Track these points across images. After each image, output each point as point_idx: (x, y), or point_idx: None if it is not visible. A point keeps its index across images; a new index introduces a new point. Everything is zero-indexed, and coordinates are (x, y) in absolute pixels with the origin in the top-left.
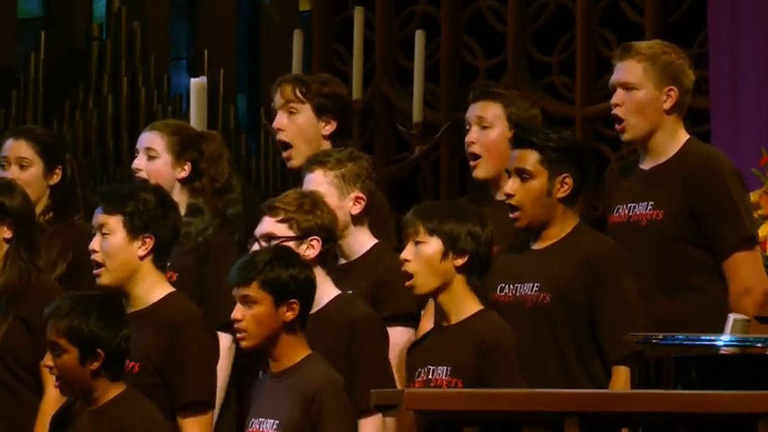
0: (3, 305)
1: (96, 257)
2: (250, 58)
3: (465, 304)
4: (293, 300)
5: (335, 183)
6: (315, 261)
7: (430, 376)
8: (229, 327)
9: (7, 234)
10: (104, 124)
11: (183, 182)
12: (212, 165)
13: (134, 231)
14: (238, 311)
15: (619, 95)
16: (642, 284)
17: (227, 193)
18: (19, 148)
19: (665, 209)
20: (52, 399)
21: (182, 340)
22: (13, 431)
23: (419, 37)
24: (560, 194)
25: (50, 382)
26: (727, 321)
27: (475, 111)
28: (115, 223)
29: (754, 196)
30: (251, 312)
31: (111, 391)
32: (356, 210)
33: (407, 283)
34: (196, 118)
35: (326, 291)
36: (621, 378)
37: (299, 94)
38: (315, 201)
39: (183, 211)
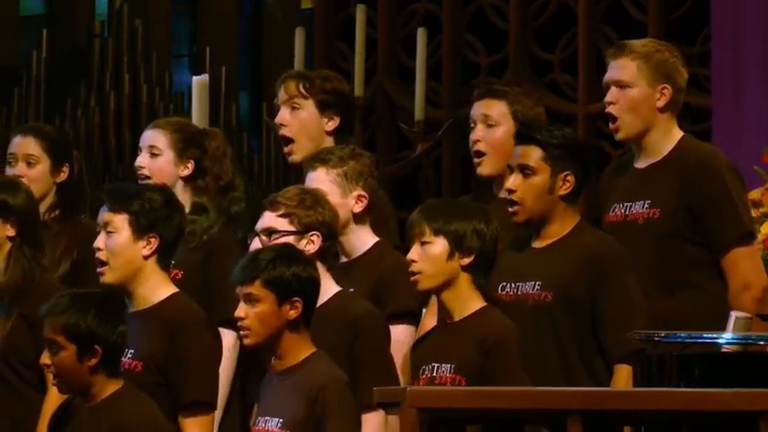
0: (6, 303)
1: (100, 255)
2: (252, 55)
3: (469, 302)
4: (296, 298)
5: (337, 181)
6: (314, 257)
7: (434, 374)
8: (233, 324)
9: (11, 232)
10: (106, 122)
11: (186, 180)
12: (216, 163)
13: (139, 230)
14: (242, 310)
15: (613, 93)
16: (641, 283)
17: (231, 192)
18: (27, 144)
19: (661, 207)
20: (55, 397)
21: (184, 340)
22: (17, 429)
23: (421, 34)
24: (562, 192)
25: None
26: (729, 319)
27: (480, 109)
28: (120, 222)
29: (756, 194)
30: (254, 311)
31: (109, 387)
32: (358, 208)
33: (412, 279)
34: (198, 115)
35: (327, 288)
36: (623, 376)
37: (302, 90)
38: (316, 197)
39: (186, 208)
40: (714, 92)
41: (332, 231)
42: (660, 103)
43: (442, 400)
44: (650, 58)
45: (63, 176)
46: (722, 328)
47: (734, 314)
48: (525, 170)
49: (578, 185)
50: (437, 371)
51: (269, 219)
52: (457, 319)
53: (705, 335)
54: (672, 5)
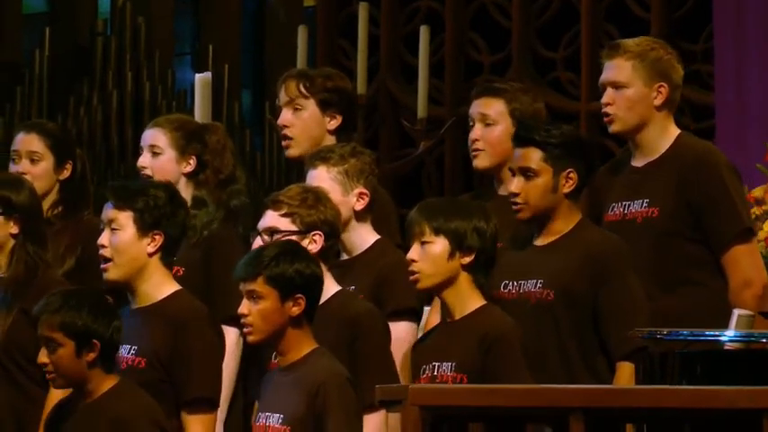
0: (9, 298)
1: (105, 252)
2: (255, 53)
3: (469, 300)
4: (299, 294)
5: (338, 179)
6: (317, 256)
7: (435, 372)
8: (236, 320)
9: (14, 229)
10: (109, 120)
11: (189, 176)
12: (216, 156)
13: (144, 228)
14: (245, 306)
15: (609, 95)
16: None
17: (232, 185)
18: (30, 141)
19: (660, 206)
20: (58, 393)
21: (188, 337)
22: (20, 424)
23: (424, 32)
24: (566, 190)
25: None
26: (731, 317)
27: (478, 107)
28: (125, 219)
29: (759, 191)
30: (257, 307)
31: (106, 383)
32: (359, 206)
33: (411, 278)
34: (200, 113)
35: (327, 287)
36: (626, 374)
37: (303, 90)
38: (318, 195)
39: (189, 203)
40: (717, 89)
41: (334, 230)
42: (657, 102)
43: (444, 398)
44: (645, 57)
45: (66, 173)
46: (724, 326)
47: (736, 312)
48: (527, 173)
49: (581, 182)
50: (438, 370)
51: (271, 218)
52: (458, 317)
53: (707, 332)
54: (675, 3)
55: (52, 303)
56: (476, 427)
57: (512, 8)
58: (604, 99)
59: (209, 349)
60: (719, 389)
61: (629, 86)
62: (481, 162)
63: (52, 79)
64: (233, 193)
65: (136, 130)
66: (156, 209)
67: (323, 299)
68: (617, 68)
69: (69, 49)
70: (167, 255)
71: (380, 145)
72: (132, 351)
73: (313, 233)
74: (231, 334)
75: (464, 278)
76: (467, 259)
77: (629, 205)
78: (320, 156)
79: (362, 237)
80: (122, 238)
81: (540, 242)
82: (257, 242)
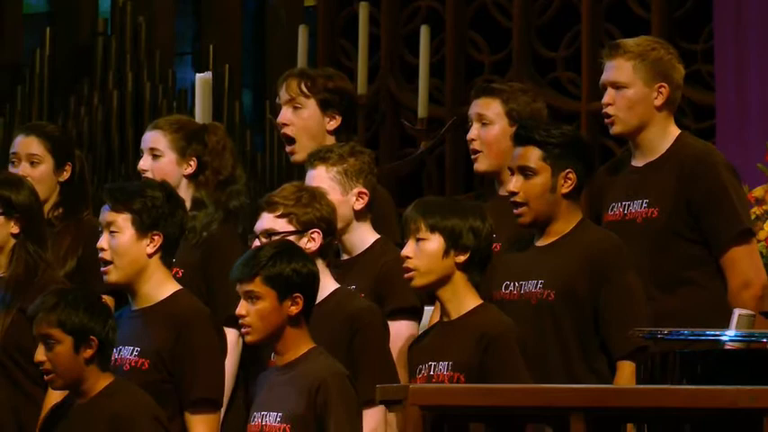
0: (9, 298)
1: (104, 255)
2: (255, 53)
3: (465, 299)
4: (297, 294)
5: (338, 178)
6: (316, 254)
7: (431, 372)
8: (236, 321)
9: (14, 229)
10: (110, 120)
11: (190, 177)
12: (216, 157)
13: (142, 229)
14: (242, 307)
15: (610, 95)
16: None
17: (232, 185)
18: (29, 144)
19: (660, 206)
20: (56, 394)
21: (189, 337)
22: (19, 424)
23: (424, 32)
24: (564, 190)
25: None
26: (732, 316)
27: (475, 108)
28: (123, 221)
29: (759, 191)
30: (255, 308)
31: (101, 381)
32: (359, 205)
33: (406, 276)
34: (201, 113)
35: (326, 284)
36: (626, 373)
37: (303, 89)
38: (312, 193)
39: (189, 205)
40: (717, 89)
41: (331, 226)
42: (658, 102)
43: (445, 398)
44: (646, 57)
45: (66, 175)
46: (725, 325)
47: (737, 311)
48: (526, 171)
49: (580, 182)
50: (434, 369)
51: (267, 220)
52: (454, 317)
53: (708, 332)
54: (675, 3)
55: (48, 302)
56: (477, 426)
57: (512, 8)
58: (605, 99)
59: (211, 349)
60: (720, 389)
61: (629, 87)
62: (481, 165)
63: (53, 79)
64: (232, 194)
65: (137, 130)
66: (154, 209)
67: (322, 296)
68: (617, 69)
69: (70, 49)
70: (167, 254)
71: (381, 145)
72: (135, 352)
73: (311, 231)
74: (231, 335)
75: (459, 277)
76: (461, 258)
77: (628, 205)
78: (319, 155)
79: (362, 236)
80: (121, 241)
81: (540, 243)
82: (255, 245)
